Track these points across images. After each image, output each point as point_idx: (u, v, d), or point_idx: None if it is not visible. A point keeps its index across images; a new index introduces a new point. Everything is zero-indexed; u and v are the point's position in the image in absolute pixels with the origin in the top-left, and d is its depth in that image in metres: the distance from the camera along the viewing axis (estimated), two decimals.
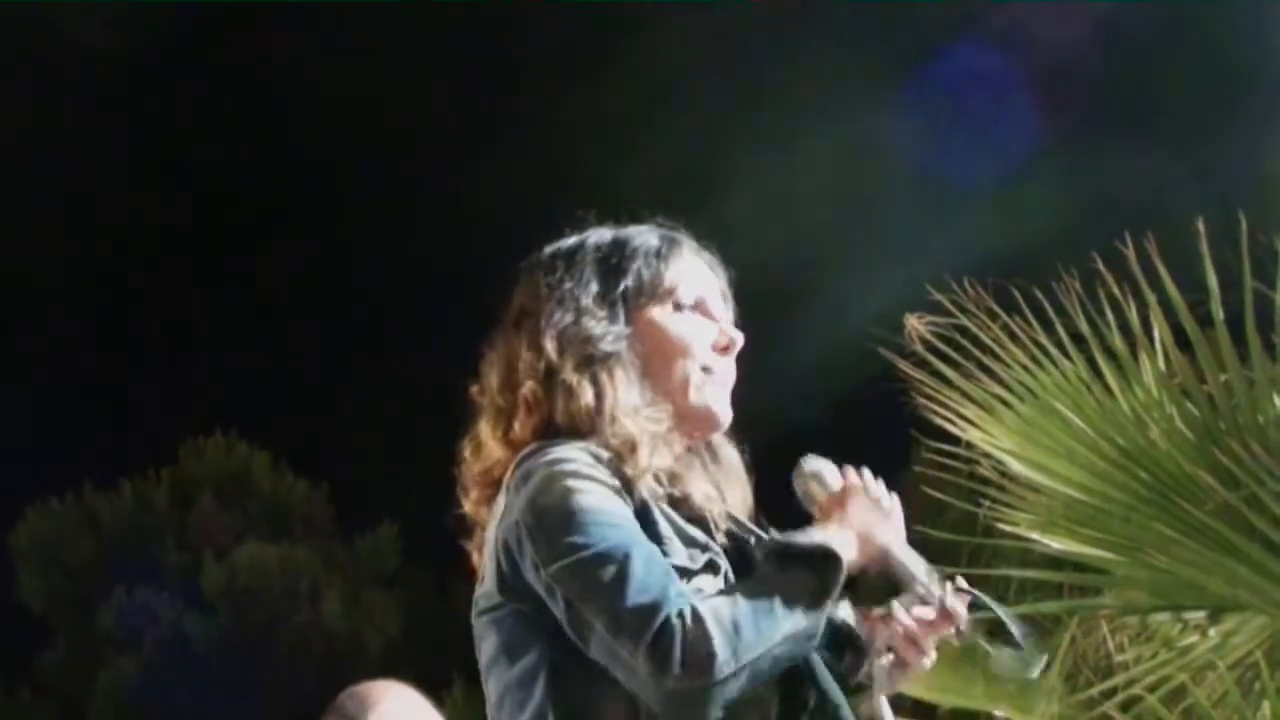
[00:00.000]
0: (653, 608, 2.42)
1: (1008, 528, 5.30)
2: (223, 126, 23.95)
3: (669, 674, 2.39)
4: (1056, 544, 5.27)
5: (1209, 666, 5.00)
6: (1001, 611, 2.76)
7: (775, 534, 2.66)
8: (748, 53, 18.84)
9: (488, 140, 22.03)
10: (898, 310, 5.32)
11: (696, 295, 2.87)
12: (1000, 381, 5.17)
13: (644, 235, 2.90)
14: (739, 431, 2.90)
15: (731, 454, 2.89)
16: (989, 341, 5.19)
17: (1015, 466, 5.27)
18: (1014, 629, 2.77)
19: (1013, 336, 5.18)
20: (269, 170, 23.34)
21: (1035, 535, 5.28)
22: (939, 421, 5.23)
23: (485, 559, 2.68)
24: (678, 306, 2.84)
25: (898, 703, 2.88)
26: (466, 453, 2.82)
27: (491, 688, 2.64)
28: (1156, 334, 5.06)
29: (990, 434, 5.24)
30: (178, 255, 24.65)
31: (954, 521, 5.57)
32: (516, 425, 2.72)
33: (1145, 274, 4.98)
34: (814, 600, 2.52)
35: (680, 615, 2.42)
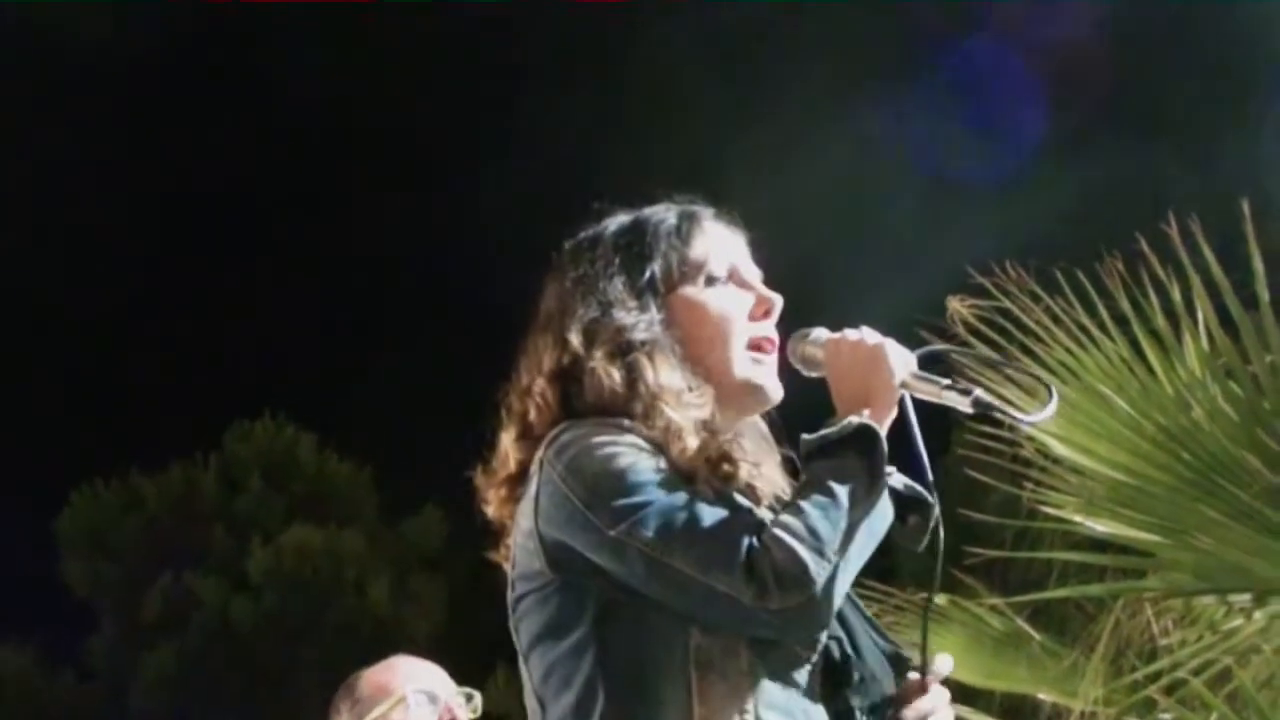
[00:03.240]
0: (734, 540, 2.43)
1: (1051, 510, 5.29)
2: (265, 114, 24.03)
3: (771, 595, 2.39)
4: (1100, 526, 5.26)
5: (1254, 650, 4.98)
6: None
7: (804, 435, 2.62)
8: (804, 39, 18.82)
9: (502, 130, 22.12)
10: (941, 294, 5.31)
11: (729, 265, 2.82)
12: (1043, 363, 5.16)
13: (661, 215, 2.84)
14: (782, 414, 2.87)
15: (763, 428, 2.85)
16: (1031, 324, 5.17)
17: (1058, 449, 5.26)
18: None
19: (1055, 318, 5.16)
20: (311, 152, 23.44)
21: (1078, 518, 5.27)
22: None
23: (518, 544, 2.65)
24: (710, 281, 2.79)
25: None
26: (493, 463, 2.79)
27: (535, 665, 2.62)
28: (1200, 314, 5.04)
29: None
30: (227, 238, 24.78)
31: (997, 504, 5.57)
32: (533, 422, 2.70)
33: (1189, 255, 4.96)
34: (870, 477, 2.52)
35: (760, 539, 2.43)
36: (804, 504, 2.48)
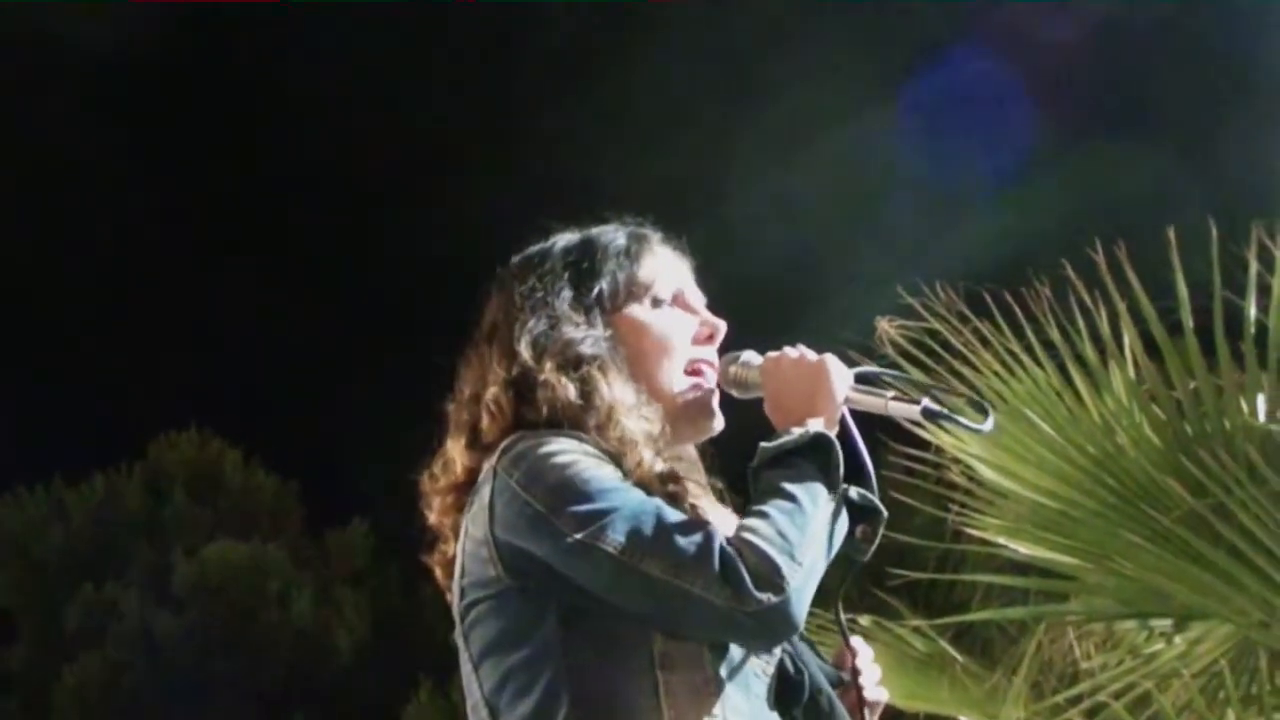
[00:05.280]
0: (705, 543, 2.43)
1: (975, 533, 5.30)
2: (212, 126, 23.94)
3: (747, 598, 2.39)
4: (1024, 550, 5.28)
5: (1174, 674, 5.01)
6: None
7: (763, 444, 2.63)
8: (739, 57, 18.86)
9: (478, 143, 22.03)
10: (870, 314, 5.32)
11: (674, 288, 2.85)
12: (971, 387, 5.18)
13: (611, 234, 2.87)
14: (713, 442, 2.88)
15: (694, 455, 2.86)
16: (960, 347, 5.19)
17: (984, 472, 5.28)
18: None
19: (984, 342, 5.18)
20: (252, 170, 23.32)
21: (1003, 541, 5.30)
22: (908, 426, 5.23)
23: (467, 552, 2.64)
24: (656, 302, 2.82)
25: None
26: (436, 470, 2.79)
27: (488, 673, 2.60)
28: (1126, 342, 5.07)
29: (959, 439, 5.25)
30: (154, 251, 24.61)
31: (922, 526, 5.58)
32: (483, 430, 2.69)
33: (1115, 282, 5.00)
34: (828, 482, 2.54)
35: (730, 543, 2.44)
36: (768, 509, 2.49)
